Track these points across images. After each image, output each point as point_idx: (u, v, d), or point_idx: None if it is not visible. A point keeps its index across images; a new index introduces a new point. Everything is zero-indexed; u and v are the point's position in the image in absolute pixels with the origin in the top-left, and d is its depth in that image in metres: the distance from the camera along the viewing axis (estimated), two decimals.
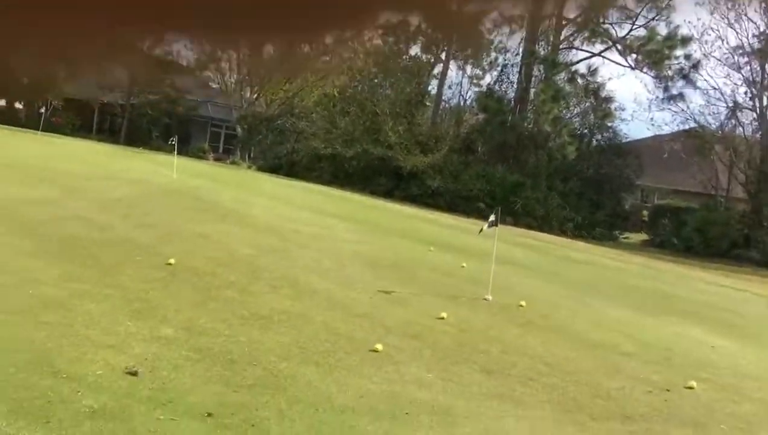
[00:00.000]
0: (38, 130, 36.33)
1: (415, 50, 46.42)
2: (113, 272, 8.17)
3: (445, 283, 10.63)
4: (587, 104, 39.30)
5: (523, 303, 9.81)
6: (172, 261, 8.93)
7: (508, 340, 7.81)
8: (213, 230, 12.23)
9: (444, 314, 8.33)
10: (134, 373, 5.06)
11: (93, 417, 4.20)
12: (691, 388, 6.82)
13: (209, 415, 4.51)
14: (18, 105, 47.56)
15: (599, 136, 42.26)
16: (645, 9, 37.27)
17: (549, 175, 39.18)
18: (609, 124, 42.00)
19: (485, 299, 9.78)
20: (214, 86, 57.53)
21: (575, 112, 41.46)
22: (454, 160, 39.09)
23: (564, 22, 41.21)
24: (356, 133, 40.47)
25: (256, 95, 52.98)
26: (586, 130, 41.51)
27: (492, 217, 9.70)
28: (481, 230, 10.51)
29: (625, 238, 38.59)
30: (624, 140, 41.90)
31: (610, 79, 38.70)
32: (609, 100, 38.64)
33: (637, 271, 18.64)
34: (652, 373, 7.17)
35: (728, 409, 6.41)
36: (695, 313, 12.23)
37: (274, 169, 41.42)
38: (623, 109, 40.35)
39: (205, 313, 7.04)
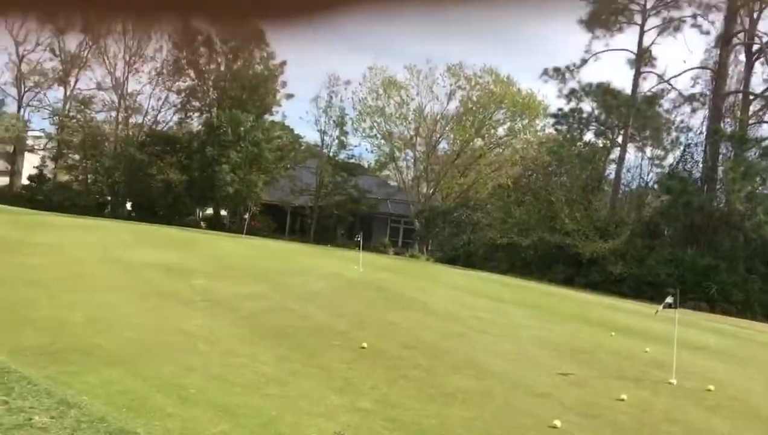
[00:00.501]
0: (242, 233, 40.84)
1: (589, 136, 46.27)
2: (317, 354, 9.35)
3: (626, 367, 10.65)
4: None
5: (711, 387, 9.57)
6: (364, 345, 9.98)
7: (692, 422, 7.78)
8: (398, 317, 13.25)
9: (624, 396, 8.47)
10: None
11: None
12: None
13: None
14: (223, 212, 53.67)
15: None
16: None
17: (748, 258, 36.35)
18: None
19: (669, 383, 9.69)
20: (393, 183, 61.00)
21: None
22: (638, 245, 37.75)
23: (751, 97, 39.26)
24: (532, 222, 40.72)
25: (432, 190, 55.34)
26: None
27: (669, 299, 9.73)
28: (657, 311, 10.49)
29: None
30: None
31: None
32: None
33: None
34: None
35: None
36: None
37: (452, 260, 42.54)
38: None
39: (396, 390, 7.89)
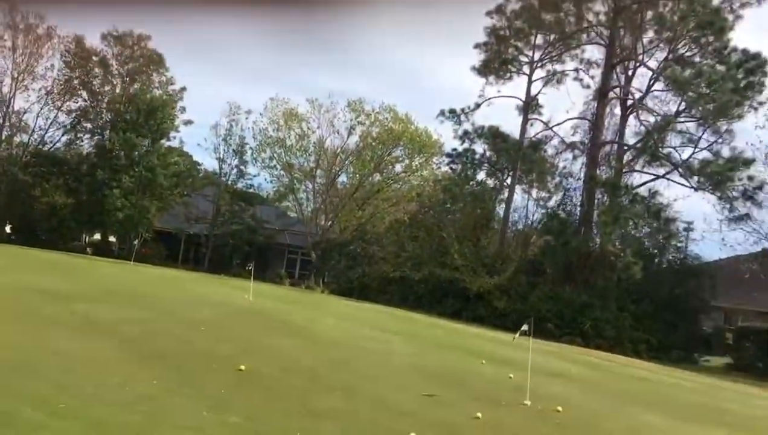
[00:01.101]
0: (131, 260, 39.72)
1: (481, 175, 48.52)
2: (194, 376, 9.63)
3: (488, 390, 11.52)
4: (653, 225, 39.67)
5: (559, 408, 10.57)
6: (242, 367, 10.33)
7: None
8: (282, 344, 13.64)
9: (479, 414, 9.27)
10: None
11: None
12: None
13: None
14: (111, 238, 51.90)
15: (669, 257, 42.23)
16: (706, 133, 38.34)
17: (620, 296, 39.06)
18: (678, 245, 42.09)
19: (524, 404, 10.61)
20: (292, 214, 61.13)
21: (642, 232, 41.81)
22: (522, 282, 39.82)
23: (625, 148, 42.63)
24: (424, 256, 42.11)
25: (330, 222, 55.94)
26: (655, 251, 41.61)
27: (524, 326, 10.72)
28: (514, 338, 11.49)
29: (705, 361, 37.29)
30: (695, 261, 41.63)
31: (675, 200, 39.12)
32: (672, 221, 38.98)
33: (693, 387, 18.65)
34: None
35: None
36: (740, 425, 12.47)
37: (346, 292, 43.15)
38: (691, 230, 40.43)
39: (267, 408, 8.32)
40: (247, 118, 53.99)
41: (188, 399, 8.22)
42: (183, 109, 50.38)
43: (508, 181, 47.13)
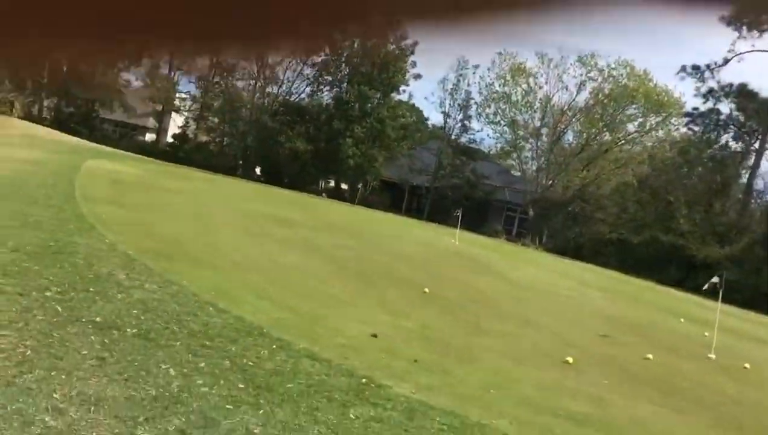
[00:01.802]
0: (353, 203, 43.04)
1: (725, 138, 44.38)
2: (383, 290, 10.81)
3: (671, 341, 11.29)
4: None
5: (747, 365, 10.09)
6: (426, 290, 11.30)
7: (703, 381, 8.51)
8: (473, 280, 14.44)
9: (650, 356, 9.26)
10: (375, 336, 7.38)
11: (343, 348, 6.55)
12: None
13: (415, 361, 6.58)
14: (344, 185, 56.22)
15: None
16: None
17: None
18: None
19: (708, 357, 10.28)
20: (515, 173, 60.97)
21: None
22: (759, 254, 36.14)
23: None
24: (647, 219, 39.90)
25: (551, 181, 54.95)
26: None
27: (715, 279, 10.31)
28: (704, 288, 11.05)
29: None
30: None
31: None
32: None
33: None
34: None
35: None
36: None
37: (561, 252, 42.50)
38: None
39: (438, 321, 9.20)
40: (474, 73, 54.54)
41: (372, 304, 9.38)
42: (414, 64, 52.42)
43: (756, 145, 42.48)
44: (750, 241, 36.16)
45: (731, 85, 41.75)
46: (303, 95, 55.29)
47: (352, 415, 4.80)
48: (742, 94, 41.90)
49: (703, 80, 43.04)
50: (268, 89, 54.71)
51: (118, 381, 4.39)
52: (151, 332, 5.51)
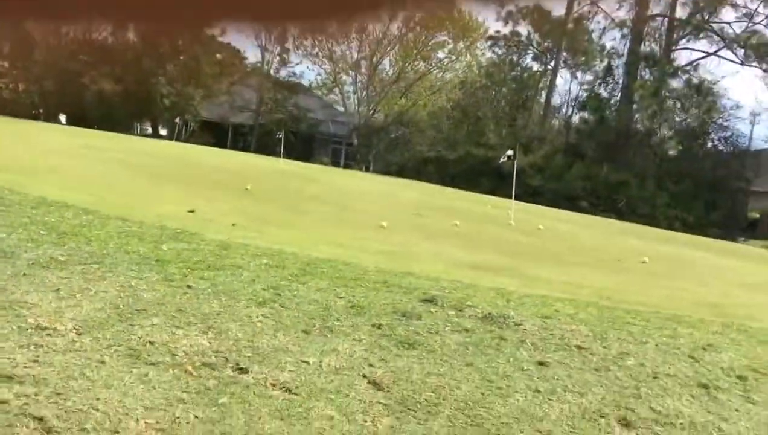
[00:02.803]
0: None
1: (526, 61, 47.80)
2: (198, 190, 10.74)
3: (480, 217, 12.39)
4: (693, 98, 38.67)
5: (541, 226, 11.39)
6: (248, 187, 11.41)
7: (502, 237, 9.54)
8: (297, 184, 14.69)
9: (457, 222, 10.16)
10: (192, 211, 7.41)
11: (158, 217, 6.53)
12: None
13: (233, 224, 6.72)
14: (162, 131, 53.54)
15: (714, 138, 41.31)
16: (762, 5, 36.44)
17: (659, 176, 38.86)
18: (721, 122, 41.02)
19: (509, 223, 11.46)
20: (337, 107, 61.49)
21: (686, 112, 40.84)
22: (559, 162, 39.92)
23: (674, 23, 41.02)
24: (459, 137, 42.41)
25: (372, 111, 56.20)
26: (697, 129, 40.77)
27: (509, 152, 11.40)
28: (500, 161, 12.22)
29: (743, 241, 37.01)
30: (742, 141, 40.61)
31: (723, 77, 37.63)
32: (713, 94, 37.83)
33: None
34: None
35: None
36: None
37: (386, 173, 44.10)
38: (739, 107, 39.12)
39: (257, 205, 9.36)
40: None
41: (192, 197, 9.33)
42: None
43: (552, 64, 46.22)
44: (552, 150, 39.72)
45: (528, 6, 44.68)
46: (105, 33, 51.27)
47: (164, 248, 4.90)
48: (537, 14, 45.05)
49: (502, 4, 45.62)
50: (65, 29, 50.15)
51: None
52: None
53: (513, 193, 11.87)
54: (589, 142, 41.34)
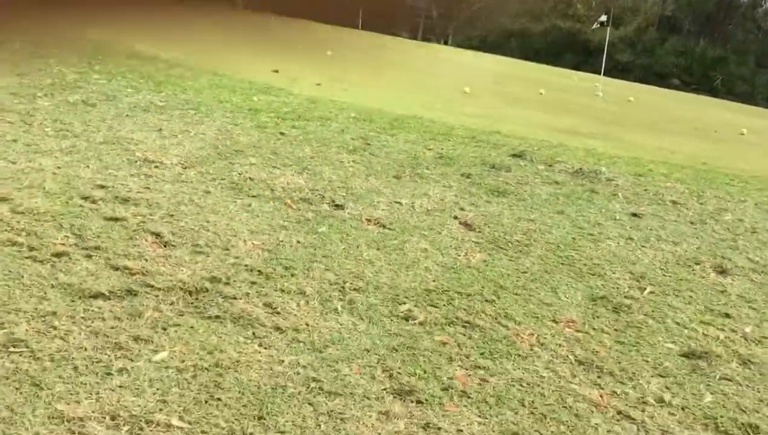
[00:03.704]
0: None
1: None
2: (275, 54, 10.72)
3: (563, 88, 11.95)
4: None
5: (631, 98, 10.91)
6: (329, 53, 11.29)
7: (591, 105, 9.22)
8: (378, 53, 14.45)
9: (542, 91, 9.84)
10: (276, 71, 7.44)
11: (244, 74, 6.60)
12: None
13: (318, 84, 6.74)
14: None
15: None
16: None
17: (761, 54, 36.05)
18: None
19: (596, 94, 11.02)
20: None
21: None
22: (651, 35, 37.47)
23: None
24: (545, 8, 40.17)
25: None
26: None
27: (603, 17, 10.76)
28: (593, 27, 11.57)
29: None
30: None
31: None
32: None
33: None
34: None
35: None
36: None
37: (465, 47, 42.67)
38: None
39: (337, 66, 9.31)
40: None
41: (274, 63, 9.34)
42: None
43: None
44: (644, 22, 37.24)
45: None
46: None
47: (255, 99, 4.99)
48: None
49: None
50: None
51: None
52: None
53: (603, 65, 11.32)
54: (687, 15, 38.43)
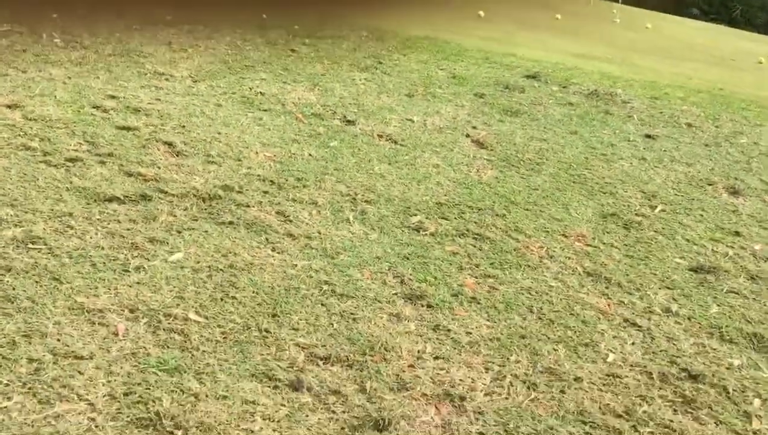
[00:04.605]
0: None
1: None
2: None
3: (580, 10, 11.63)
4: None
5: (648, 25, 10.62)
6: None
7: (606, 31, 8.99)
8: None
9: (558, 16, 9.58)
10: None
11: None
12: None
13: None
14: None
15: None
16: None
17: None
18: None
19: (613, 21, 10.73)
20: None
21: None
22: None
23: None
24: None
25: None
26: None
27: None
28: None
29: None
30: None
31: None
32: None
33: None
34: None
35: None
36: None
37: None
38: None
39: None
40: None
41: None
42: None
43: None
44: None
45: None
46: None
47: (264, 16, 4.87)
48: None
49: None
50: None
51: None
52: None
53: None
54: None
